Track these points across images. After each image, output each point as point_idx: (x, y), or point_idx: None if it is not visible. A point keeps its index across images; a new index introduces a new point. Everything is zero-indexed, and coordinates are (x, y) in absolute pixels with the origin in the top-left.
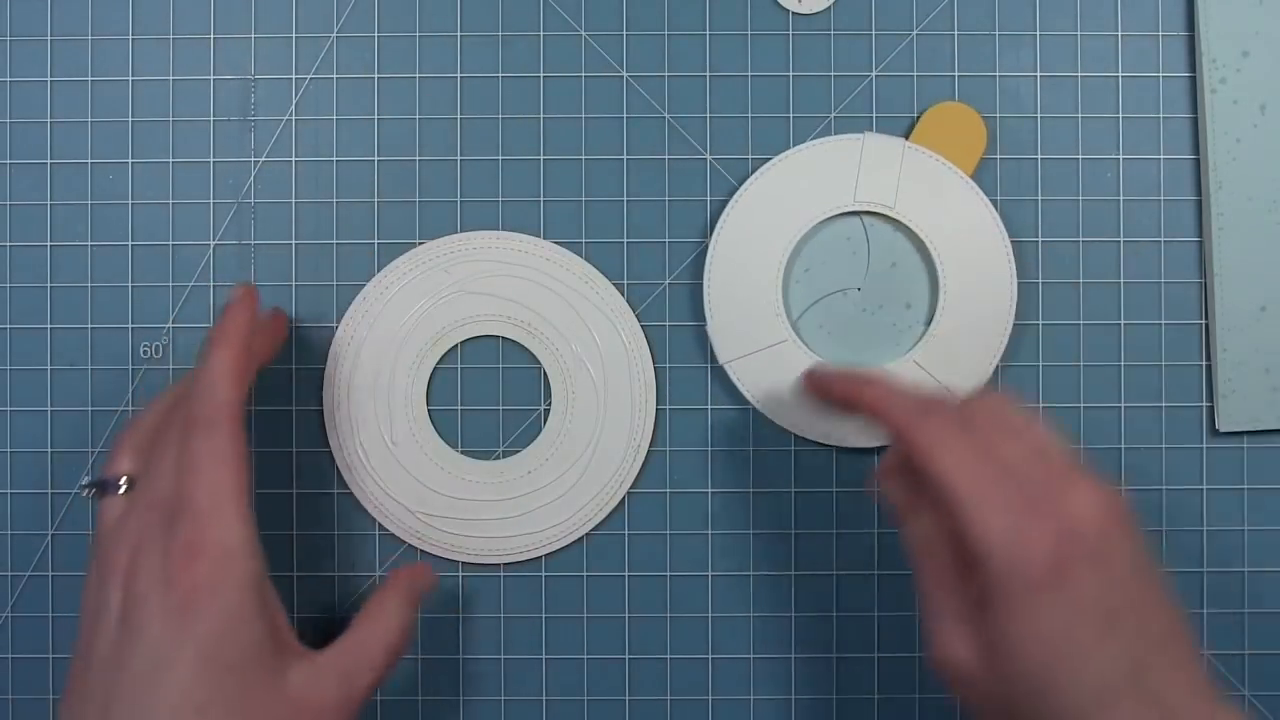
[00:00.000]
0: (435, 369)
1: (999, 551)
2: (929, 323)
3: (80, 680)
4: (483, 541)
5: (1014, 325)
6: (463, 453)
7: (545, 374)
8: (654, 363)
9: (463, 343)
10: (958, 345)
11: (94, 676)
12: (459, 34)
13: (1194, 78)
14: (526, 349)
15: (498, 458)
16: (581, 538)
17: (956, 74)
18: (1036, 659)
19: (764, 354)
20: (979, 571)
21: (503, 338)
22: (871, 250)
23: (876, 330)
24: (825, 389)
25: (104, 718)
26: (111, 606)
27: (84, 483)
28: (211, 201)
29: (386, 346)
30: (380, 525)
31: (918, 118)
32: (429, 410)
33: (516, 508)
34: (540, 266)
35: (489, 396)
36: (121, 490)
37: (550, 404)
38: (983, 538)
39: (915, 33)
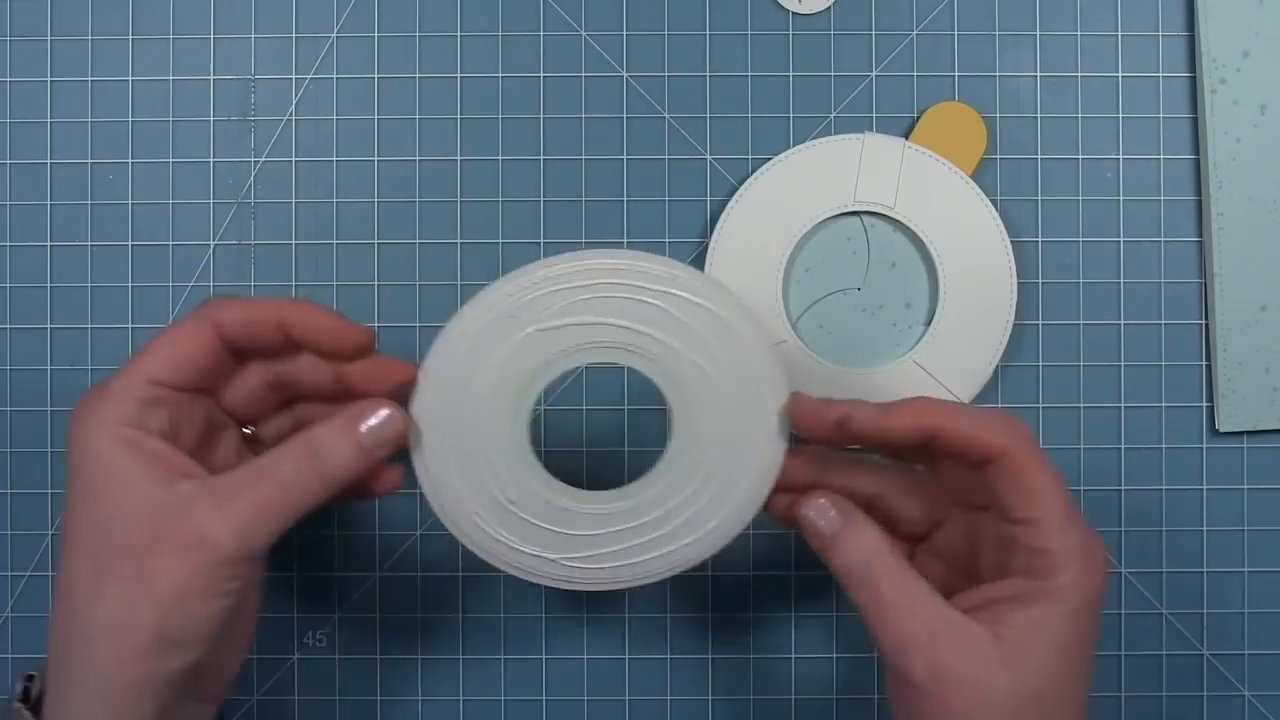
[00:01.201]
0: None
1: (1073, 563)
2: (929, 323)
3: None
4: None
5: (1014, 325)
6: (588, 489)
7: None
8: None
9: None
10: (958, 345)
11: None
12: (459, 34)
13: (1194, 78)
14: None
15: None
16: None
17: (956, 74)
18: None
19: None
20: (1027, 574)
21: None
22: (871, 250)
23: (876, 330)
24: (850, 424)
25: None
26: None
27: None
28: (211, 201)
29: (474, 410)
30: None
31: (918, 118)
32: (538, 455)
33: (648, 531)
34: (616, 279)
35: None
36: None
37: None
38: (1061, 549)
39: (915, 33)
